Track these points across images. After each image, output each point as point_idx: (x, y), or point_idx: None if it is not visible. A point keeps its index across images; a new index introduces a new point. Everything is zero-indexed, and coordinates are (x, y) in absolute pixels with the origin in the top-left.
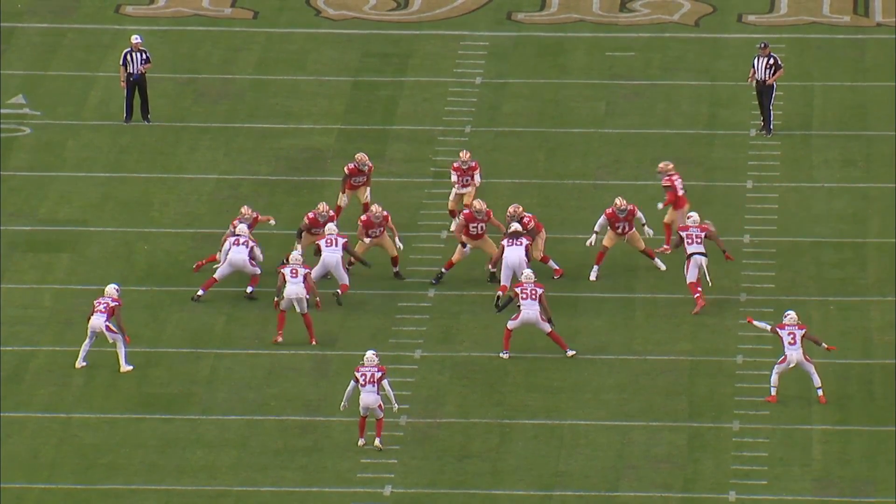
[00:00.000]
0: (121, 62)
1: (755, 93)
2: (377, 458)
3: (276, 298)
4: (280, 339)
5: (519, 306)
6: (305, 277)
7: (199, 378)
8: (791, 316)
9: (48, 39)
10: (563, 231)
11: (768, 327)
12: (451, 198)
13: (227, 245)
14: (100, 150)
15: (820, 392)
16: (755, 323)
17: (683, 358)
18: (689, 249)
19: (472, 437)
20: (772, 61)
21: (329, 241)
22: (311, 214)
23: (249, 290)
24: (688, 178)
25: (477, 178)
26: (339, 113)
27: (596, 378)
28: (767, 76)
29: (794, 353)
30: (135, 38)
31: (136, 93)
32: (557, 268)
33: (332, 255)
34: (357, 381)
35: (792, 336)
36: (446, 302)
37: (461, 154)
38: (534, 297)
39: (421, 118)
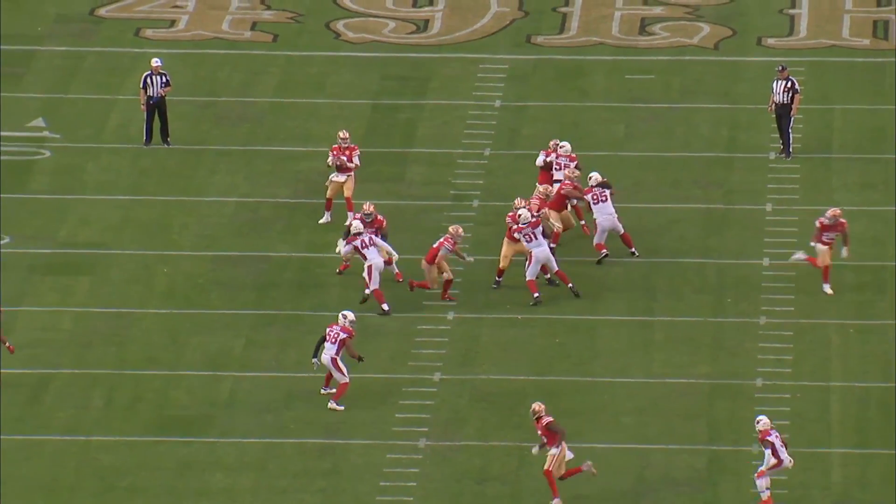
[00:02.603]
0: (141, 85)
1: (774, 116)
2: (396, 480)
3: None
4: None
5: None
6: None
7: (218, 401)
8: (764, 421)
9: (68, 62)
10: (582, 254)
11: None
12: (328, 184)
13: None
14: (119, 173)
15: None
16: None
17: (703, 381)
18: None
19: (492, 459)
20: (790, 84)
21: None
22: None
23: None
24: (707, 200)
25: (356, 160)
26: (359, 136)
27: (615, 401)
28: (785, 99)
29: (785, 457)
30: (155, 62)
31: (156, 116)
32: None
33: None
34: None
35: (780, 439)
36: (466, 325)
37: (340, 133)
38: (334, 340)
39: (440, 141)
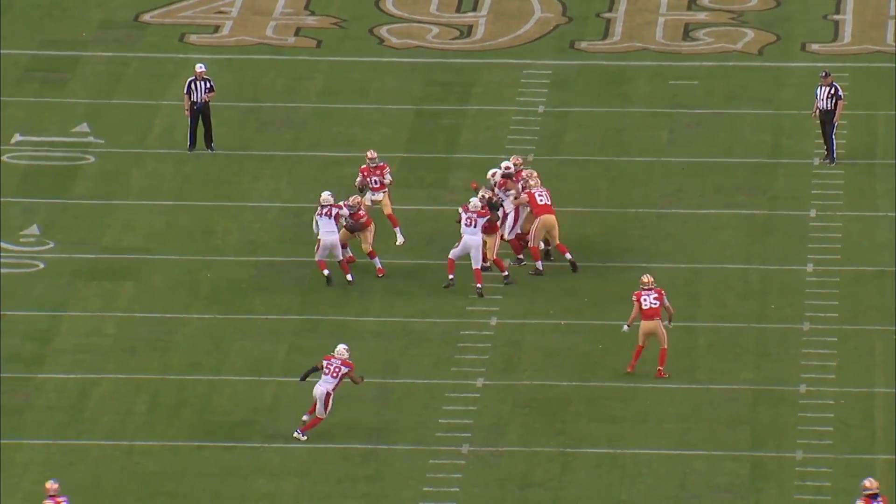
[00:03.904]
0: (185, 91)
1: (817, 122)
2: (439, 486)
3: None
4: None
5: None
6: None
7: (261, 406)
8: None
9: (112, 68)
10: (625, 260)
11: None
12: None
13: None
14: (163, 179)
15: None
16: None
17: (746, 387)
18: None
19: (534, 465)
20: (833, 90)
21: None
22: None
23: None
24: (751, 207)
25: (388, 177)
26: (402, 141)
27: (658, 407)
28: (829, 105)
29: None
30: (199, 67)
31: (200, 121)
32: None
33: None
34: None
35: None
36: (508, 331)
37: (368, 154)
38: (335, 374)
39: (483, 147)
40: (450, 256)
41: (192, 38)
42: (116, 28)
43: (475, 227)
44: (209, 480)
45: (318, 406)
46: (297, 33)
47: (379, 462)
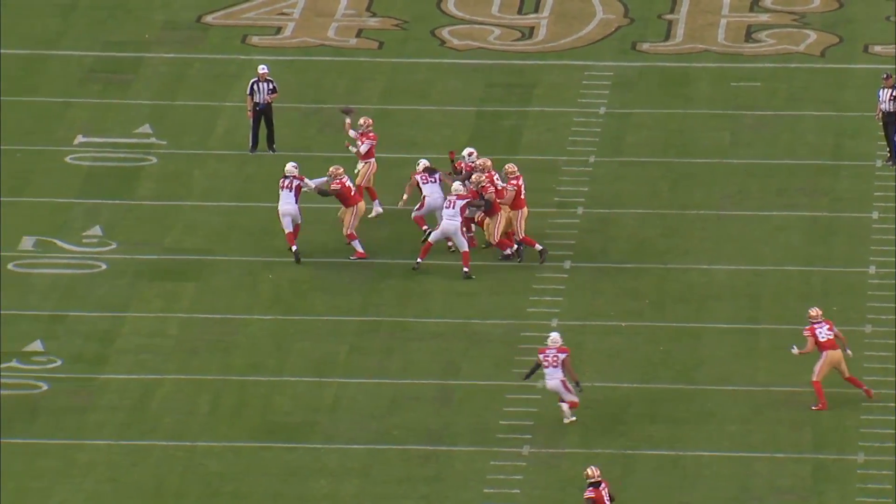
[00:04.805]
0: (248, 92)
1: (881, 123)
2: (500, 487)
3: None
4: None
5: (533, 373)
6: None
7: (322, 407)
8: None
9: (175, 69)
10: (686, 261)
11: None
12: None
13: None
14: (225, 180)
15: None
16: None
17: (807, 389)
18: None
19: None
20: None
21: (449, 202)
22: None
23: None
24: (812, 208)
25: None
26: (463, 143)
27: (719, 409)
28: (892, 107)
29: None
30: (262, 68)
31: (262, 123)
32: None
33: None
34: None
35: None
36: (570, 332)
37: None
38: (556, 363)
39: (544, 148)
40: (429, 240)
41: (255, 39)
42: (179, 29)
43: (454, 209)
44: (270, 481)
45: (563, 397)
46: (358, 35)
47: (439, 463)
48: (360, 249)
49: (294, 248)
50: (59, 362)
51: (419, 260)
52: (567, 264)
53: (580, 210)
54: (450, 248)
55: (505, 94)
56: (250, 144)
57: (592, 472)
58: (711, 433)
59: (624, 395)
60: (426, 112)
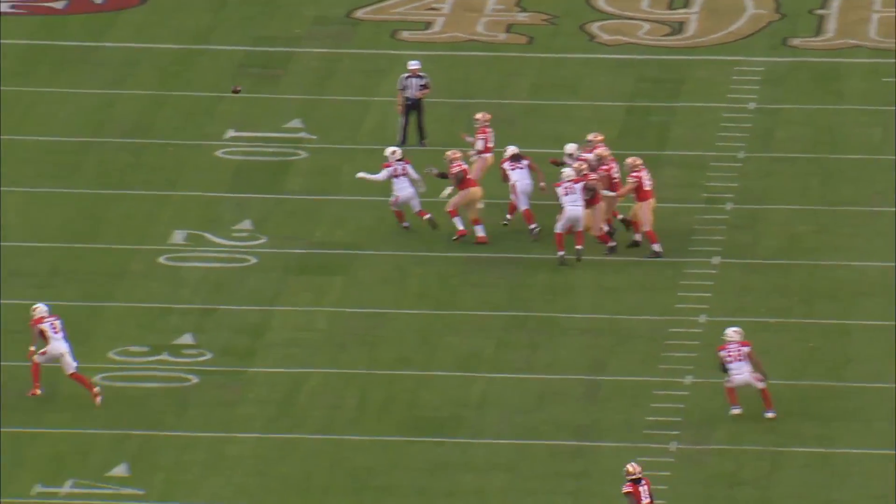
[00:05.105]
0: (399, 87)
1: None
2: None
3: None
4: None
5: (726, 369)
6: None
7: (469, 402)
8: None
9: (325, 64)
10: (836, 258)
11: None
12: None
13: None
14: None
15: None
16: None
17: None
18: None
19: (743, 463)
20: None
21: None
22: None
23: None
24: None
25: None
26: (612, 138)
27: (869, 406)
28: None
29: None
30: (413, 64)
31: (412, 117)
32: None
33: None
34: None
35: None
36: (718, 329)
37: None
38: (740, 357)
39: (693, 144)
40: (557, 231)
41: (404, 34)
42: (329, 24)
43: (574, 194)
44: (417, 475)
45: (756, 386)
46: (508, 30)
47: (586, 459)
48: (460, 227)
49: (429, 216)
50: (208, 355)
51: (561, 252)
52: (715, 260)
53: (729, 206)
54: (504, 224)
55: (654, 90)
56: (399, 139)
57: (633, 468)
58: (860, 431)
59: (773, 392)
60: (575, 107)
